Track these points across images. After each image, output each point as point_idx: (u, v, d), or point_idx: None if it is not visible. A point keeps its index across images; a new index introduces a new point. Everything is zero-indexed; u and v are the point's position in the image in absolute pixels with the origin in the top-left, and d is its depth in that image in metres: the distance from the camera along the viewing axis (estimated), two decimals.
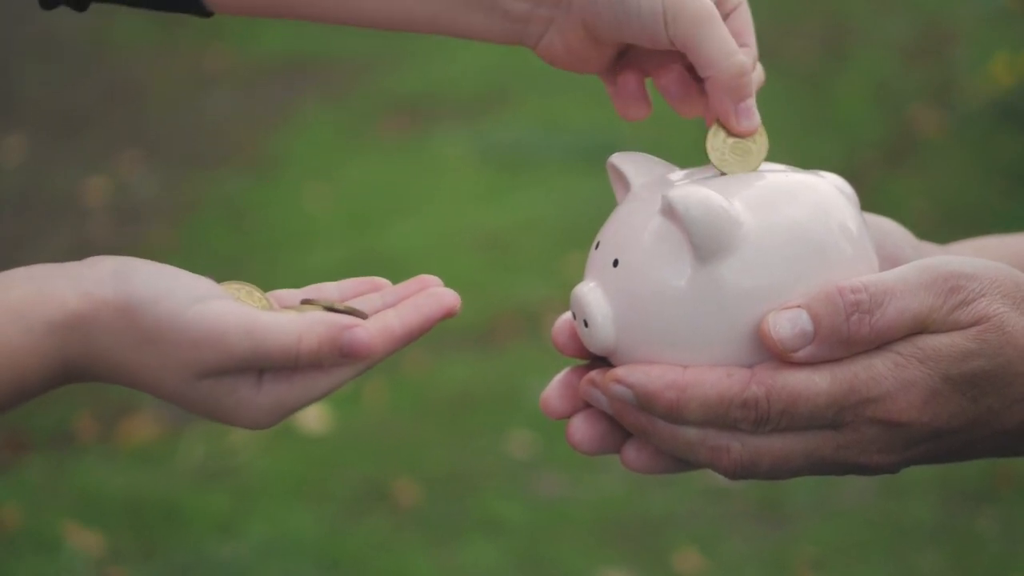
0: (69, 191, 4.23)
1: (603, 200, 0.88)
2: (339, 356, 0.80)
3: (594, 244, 0.85)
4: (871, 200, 0.95)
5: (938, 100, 4.63)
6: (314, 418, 3.10)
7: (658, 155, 0.89)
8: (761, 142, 0.87)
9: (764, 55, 0.93)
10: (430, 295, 0.84)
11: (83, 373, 0.80)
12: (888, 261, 0.86)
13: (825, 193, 0.84)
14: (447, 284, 0.85)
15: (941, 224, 3.70)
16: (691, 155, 0.90)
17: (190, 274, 0.81)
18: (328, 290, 0.86)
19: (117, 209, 4.17)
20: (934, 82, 4.75)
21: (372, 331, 0.80)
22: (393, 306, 0.84)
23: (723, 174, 0.85)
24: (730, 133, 0.86)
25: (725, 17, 0.89)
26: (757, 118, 0.87)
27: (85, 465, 2.96)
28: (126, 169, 4.40)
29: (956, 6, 5.18)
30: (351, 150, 4.52)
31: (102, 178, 4.32)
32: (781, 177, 0.84)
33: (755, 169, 0.86)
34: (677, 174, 0.87)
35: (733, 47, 0.86)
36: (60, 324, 0.78)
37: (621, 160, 0.87)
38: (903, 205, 3.79)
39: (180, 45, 5.34)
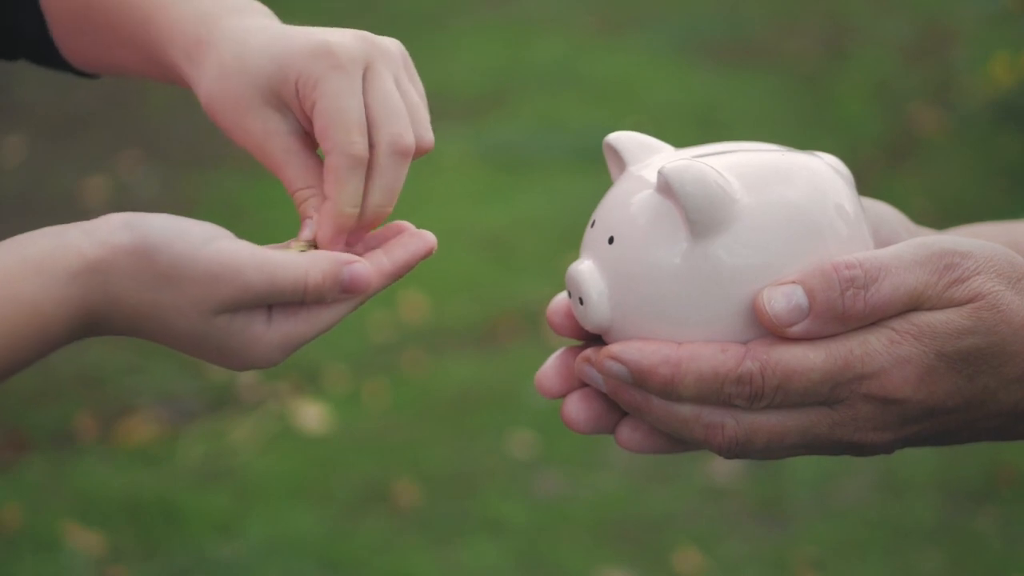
0: (69, 191, 4.22)
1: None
2: (340, 290, 0.85)
3: (590, 222, 0.85)
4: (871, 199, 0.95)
5: (938, 100, 4.63)
6: (314, 418, 3.09)
7: None
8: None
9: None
10: (412, 235, 0.91)
11: (102, 321, 0.82)
12: (884, 244, 0.86)
13: (821, 173, 0.84)
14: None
15: (941, 223, 3.66)
16: None
17: (198, 220, 0.85)
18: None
19: (117, 209, 4.16)
20: (934, 82, 4.75)
21: (369, 266, 0.86)
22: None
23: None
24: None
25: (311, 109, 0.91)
26: None
27: (85, 465, 2.96)
28: (126, 169, 4.40)
29: (956, 6, 5.18)
30: None
31: (102, 178, 4.32)
32: (777, 156, 0.84)
33: None
34: (672, 154, 0.87)
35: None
36: (79, 272, 0.81)
37: (617, 140, 0.88)
38: (903, 204, 3.76)
39: None
